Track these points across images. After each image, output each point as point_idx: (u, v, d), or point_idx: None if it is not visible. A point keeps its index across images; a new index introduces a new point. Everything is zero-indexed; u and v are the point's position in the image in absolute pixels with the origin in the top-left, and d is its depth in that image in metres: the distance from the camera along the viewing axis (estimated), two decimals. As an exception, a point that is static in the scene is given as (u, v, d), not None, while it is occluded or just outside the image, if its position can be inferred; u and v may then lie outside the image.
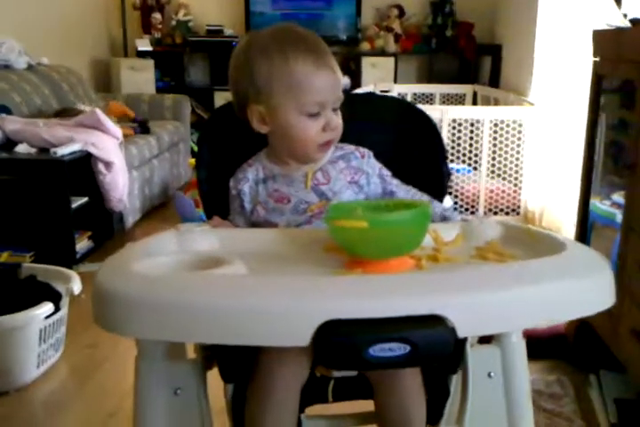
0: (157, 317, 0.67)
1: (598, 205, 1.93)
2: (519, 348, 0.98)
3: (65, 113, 3.33)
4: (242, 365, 0.98)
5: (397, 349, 0.63)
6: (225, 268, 0.78)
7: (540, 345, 1.95)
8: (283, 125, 1.04)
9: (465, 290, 0.68)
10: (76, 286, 1.98)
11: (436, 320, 0.65)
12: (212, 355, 1.00)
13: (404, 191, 1.12)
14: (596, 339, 1.83)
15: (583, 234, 2.00)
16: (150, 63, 4.57)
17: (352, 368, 0.67)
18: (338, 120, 1.06)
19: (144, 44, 4.68)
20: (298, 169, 1.10)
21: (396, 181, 1.13)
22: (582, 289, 0.73)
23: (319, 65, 1.02)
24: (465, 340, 0.96)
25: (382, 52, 4.77)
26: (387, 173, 1.13)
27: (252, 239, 0.95)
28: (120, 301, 0.69)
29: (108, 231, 3.12)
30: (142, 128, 3.66)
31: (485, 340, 0.98)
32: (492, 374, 0.97)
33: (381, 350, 0.63)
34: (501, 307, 0.68)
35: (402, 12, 4.78)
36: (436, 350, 0.66)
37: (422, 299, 0.66)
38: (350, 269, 0.83)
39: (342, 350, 0.64)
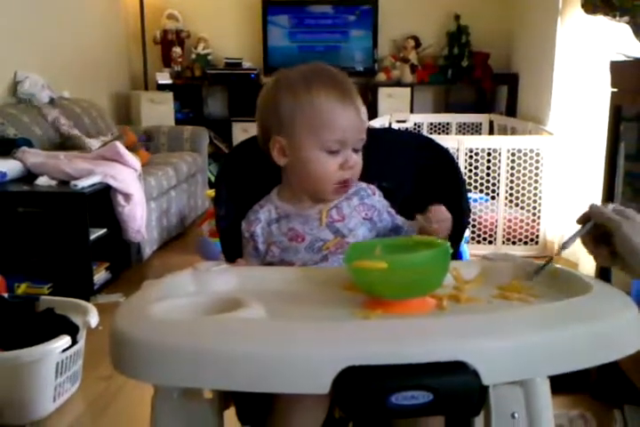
0: (175, 364, 0.66)
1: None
2: (543, 387, 0.95)
3: (68, 142, 3.37)
4: (259, 405, 0.96)
5: (420, 397, 0.62)
6: (243, 311, 0.77)
7: (563, 378, 1.90)
8: (301, 159, 1.04)
9: (489, 335, 0.67)
10: (93, 319, 1.98)
11: (459, 367, 0.63)
12: (229, 395, 0.99)
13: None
14: (619, 372, 1.78)
15: (604, 265, 1.97)
16: (170, 96, 4.63)
17: (374, 416, 0.65)
18: (357, 159, 1.06)
19: (164, 78, 4.75)
20: (312, 207, 1.09)
21: (401, 217, 1.12)
22: (610, 333, 0.71)
23: (345, 103, 1.02)
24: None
25: (399, 83, 4.79)
26: (392, 210, 1.12)
27: (270, 279, 0.94)
28: (138, 347, 0.68)
29: (126, 262, 3.13)
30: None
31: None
32: (515, 414, 0.94)
33: (404, 398, 0.62)
34: (527, 353, 0.66)
35: (418, 43, 4.82)
36: (460, 398, 0.64)
37: (446, 345, 0.65)
38: (370, 310, 0.81)
39: (364, 397, 0.63)
